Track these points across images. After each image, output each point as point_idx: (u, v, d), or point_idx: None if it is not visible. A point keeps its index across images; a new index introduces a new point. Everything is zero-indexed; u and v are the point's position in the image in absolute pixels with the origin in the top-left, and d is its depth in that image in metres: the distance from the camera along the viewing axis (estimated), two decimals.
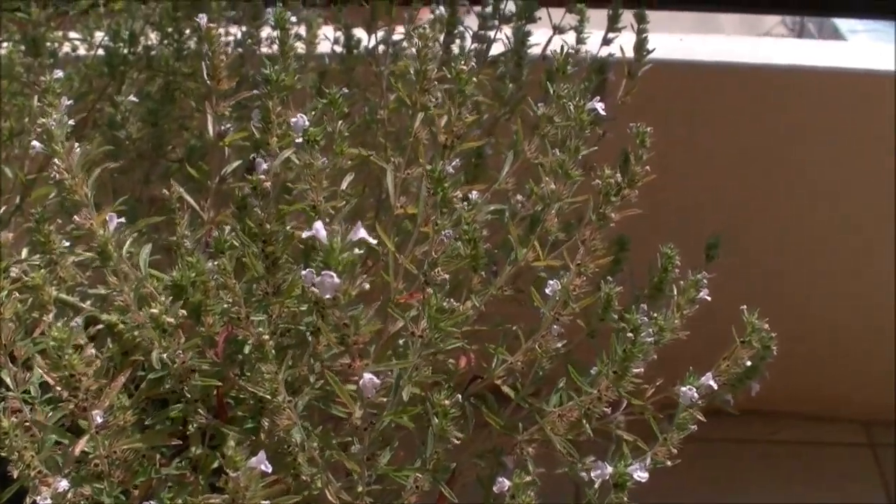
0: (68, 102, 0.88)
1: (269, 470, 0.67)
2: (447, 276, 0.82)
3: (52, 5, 1.44)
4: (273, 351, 0.79)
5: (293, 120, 0.85)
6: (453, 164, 0.89)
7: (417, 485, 0.84)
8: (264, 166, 0.86)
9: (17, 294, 0.81)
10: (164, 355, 0.83)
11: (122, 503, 0.86)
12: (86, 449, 0.81)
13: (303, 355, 0.93)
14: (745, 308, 0.91)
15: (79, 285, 1.00)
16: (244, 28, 1.45)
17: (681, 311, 0.97)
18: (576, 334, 1.04)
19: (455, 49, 1.31)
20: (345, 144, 0.91)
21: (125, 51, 1.44)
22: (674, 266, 1.02)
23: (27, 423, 0.80)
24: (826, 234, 1.94)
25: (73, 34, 1.52)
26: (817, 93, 1.82)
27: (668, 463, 0.90)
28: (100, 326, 1.01)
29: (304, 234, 0.65)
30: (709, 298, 0.97)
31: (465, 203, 0.91)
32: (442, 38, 1.23)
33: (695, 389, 0.85)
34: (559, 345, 0.95)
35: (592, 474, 0.84)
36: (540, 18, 1.27)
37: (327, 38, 1.41)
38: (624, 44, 1.25)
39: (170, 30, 1.45)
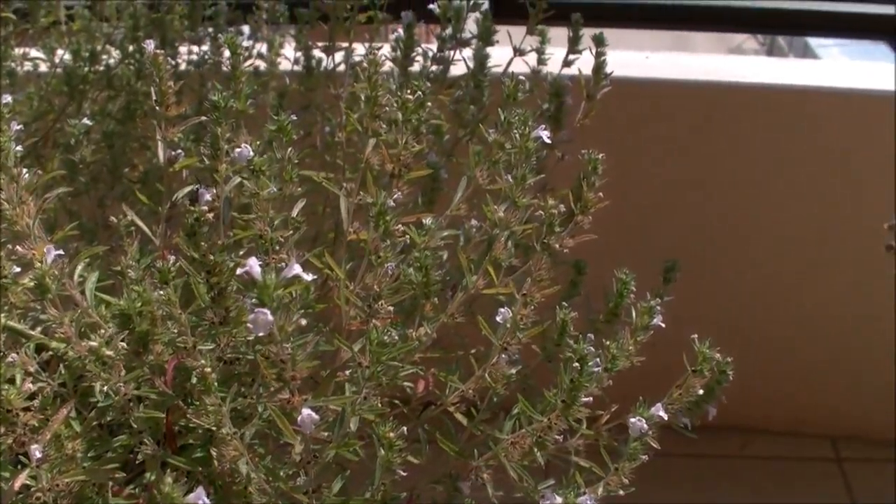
0: (18, 127, 0.87)
1: None
2: (391, 309, 0.81)
3: (11, 24, 1.43)
4: (216, 384, 0.77)
5: (237, 150, 0.83)
6: (399, 193, 0.88)
7: None
8: (207, 197, 0.84)
9: None
10: (106, 387, 0.82)
11: None
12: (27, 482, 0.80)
13: (253, 383, 0.92)
14: (696, 337, 0.91)
15: (31, 310, 0.98)
16: (205, 48, 1.44)
17: (635, 338, 0.96)
18: (534, 358, 1.03)
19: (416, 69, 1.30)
20: (294, 172, 0.90)
21: (86, 69, 1.43)
22: (629, 291, 1.01)
23: None
24: (784, 251, 1.95)
25: (34, 52, 1.51)
26: (789, 111, 1.83)
27: (621, 492, 0.89)
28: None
29: (238, 271, 0.64)
30: (663, 325, 0.97)
31: (419, 229, 0.91)
32: (399, 60, 1.22)
33: (643, 420, 0.84)
34: (513, 371, 0.95)
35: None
36: (497, 41, 1.26)
37: (287, 59, 1.41)
38: (584, 65, 1.24)
39: (131, 48, 1.44)
